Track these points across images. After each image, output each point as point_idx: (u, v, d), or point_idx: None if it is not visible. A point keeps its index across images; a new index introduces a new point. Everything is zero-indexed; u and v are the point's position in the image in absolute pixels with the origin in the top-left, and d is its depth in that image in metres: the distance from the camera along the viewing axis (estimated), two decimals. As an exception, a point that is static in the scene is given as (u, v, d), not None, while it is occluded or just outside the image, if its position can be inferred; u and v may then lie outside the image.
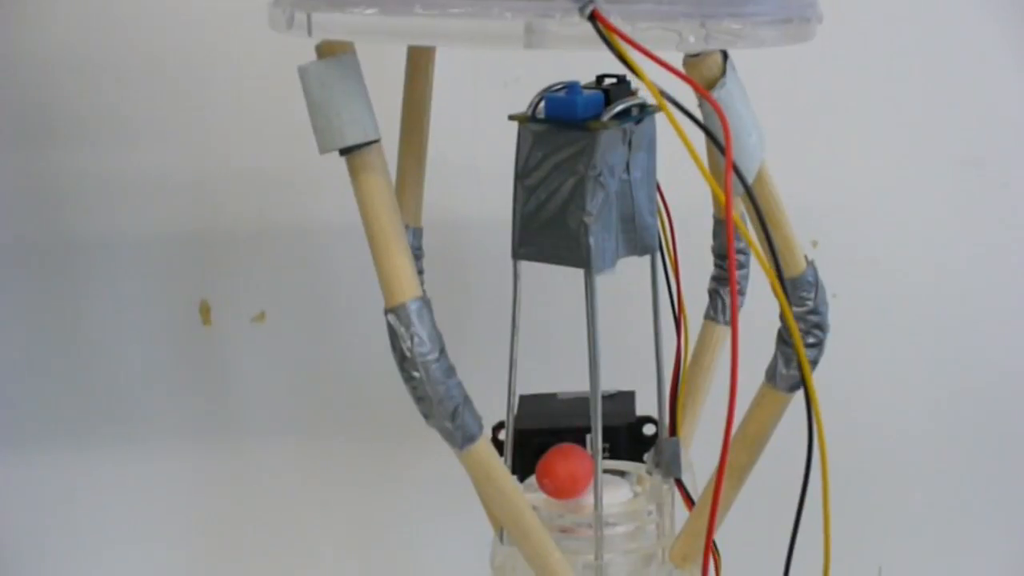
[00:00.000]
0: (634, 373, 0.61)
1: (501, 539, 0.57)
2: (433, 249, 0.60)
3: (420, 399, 0.48)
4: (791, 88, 0.82)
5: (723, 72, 0.47)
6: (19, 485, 0.89)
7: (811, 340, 0.53)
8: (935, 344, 0.91)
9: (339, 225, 0.84)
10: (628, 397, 0.65)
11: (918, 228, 0.89)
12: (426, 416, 0.49)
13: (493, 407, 0.58)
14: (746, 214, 0.51)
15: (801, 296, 0.53)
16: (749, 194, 0.47)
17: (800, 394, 0.50)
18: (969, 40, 0.88)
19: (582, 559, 0.55)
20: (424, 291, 0.48)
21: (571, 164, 0.51)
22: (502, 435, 0.60)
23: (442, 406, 0.48)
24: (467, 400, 0.49)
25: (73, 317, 0.87)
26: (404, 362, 0.47)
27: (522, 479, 0.61)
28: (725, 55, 0.48)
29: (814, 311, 0.53)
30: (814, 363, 0.53)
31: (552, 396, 0.66)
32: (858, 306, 0.80)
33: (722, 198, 0.44)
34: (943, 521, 0.94)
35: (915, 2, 0.87)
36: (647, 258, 0.56)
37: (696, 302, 0.63)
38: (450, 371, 0.48)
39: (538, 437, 0.61)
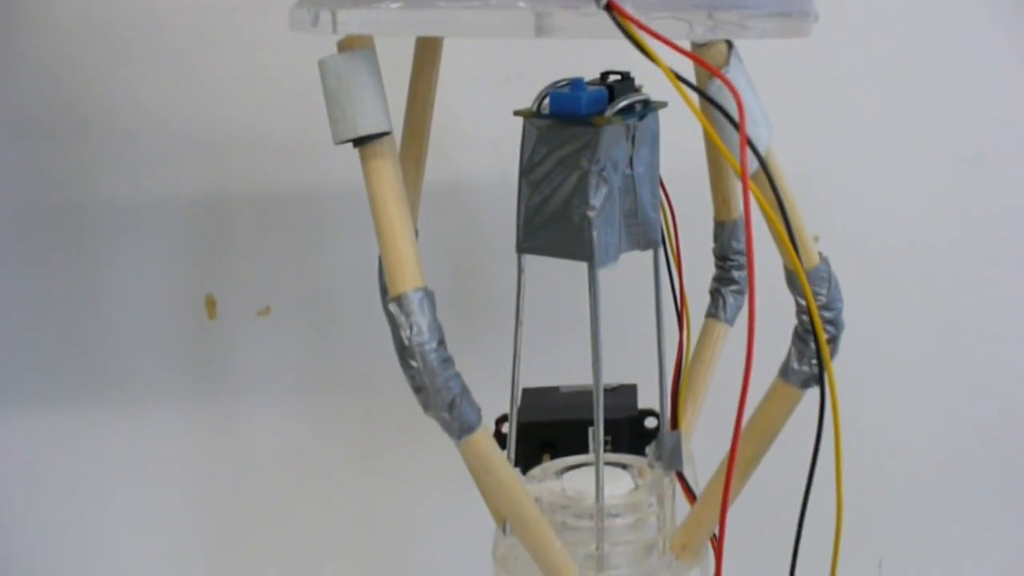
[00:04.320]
0: (636, 366, 0.62)
1: (504, 531, 0.58)
2: (439, 243, 0.60)
3: (418, 389, 0.48)
4: (792, 80, 0.82)
5: (727, 60, 0.48)
6: (24, 457, 0.90)
7: (824, 337, 0.53)
8: (937, 338, 0.91)
9: (344, 219, 0.85)
10: (630, 390, 0.65)
11: (918, 222, 0.89)
12: (424, 407, 0.49)
13: (496, 400, 0.58)
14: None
15: (814, 291, 0.53)
16: (763, 166, 0.47)
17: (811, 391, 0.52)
18: (967, 33, 0.88)
19: (583, 549, 0.56)
20: (426, 283, 0.49)
21: (575, 159, 0.52)
22: (505, 428, 0.61)
23: (439, 396, 0.48)
24: (465, 391, 0.49)
25: (84, 305, 0.87)
26: (403, 351, 0.48)
27: (524, 471, 0.61)
28: (730, 45, 0.49)
29: (827, 307, 0.53)
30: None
31: (554, 389, 0.66)
32: (858, 300, 0.80)
33: (737, 169, 0.45)
34: (944, 515, 0.94)
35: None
36: (650, 253, 0.56)
37: (698, 296, 0.64)
38: (448, 362, 0.48)
39: (541, 430, 0.62)
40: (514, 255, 0.55)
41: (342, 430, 0.89)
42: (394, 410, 0.87)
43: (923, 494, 0.94)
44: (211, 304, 0.87)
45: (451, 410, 0.49)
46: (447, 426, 0.49)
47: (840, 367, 0.54)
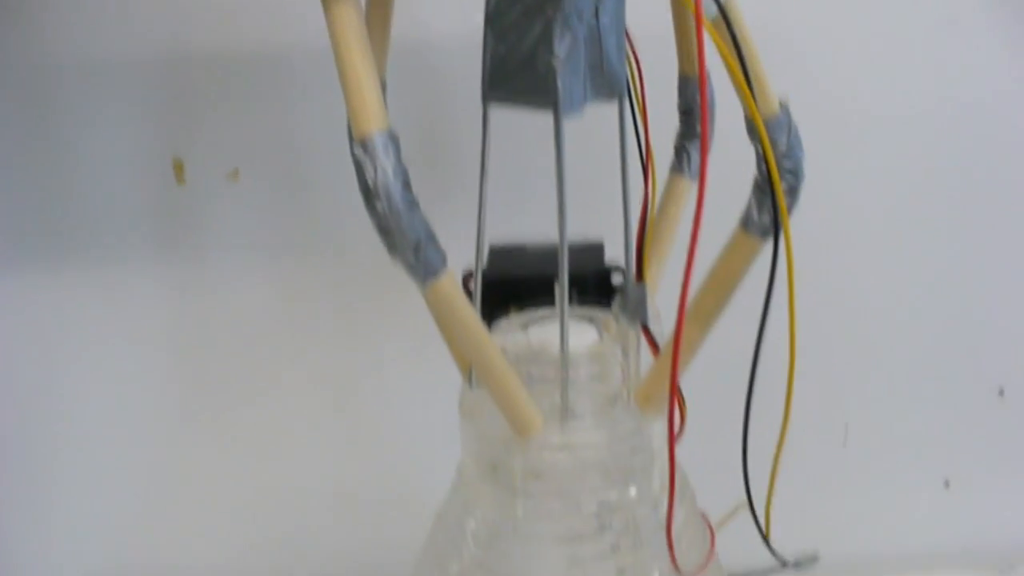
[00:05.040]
0: (604, 224, 0.62)
1: (470, 383, 0.59)
2: (404, 102, 0.60)
3: (383, 231, 0.49)
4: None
5: None
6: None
7: (784, 187, 0.53)
8: (907, 200, 0.91)
9: (313, 77, 0.84)
10: (597, 247, 0.65)
11: (893, 85, 0.89)
12: (390, 249, 0.49)
13: (462, 257, 0.58)
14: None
15: (773, 139, 0.53)
16: (720, 8, 0.47)
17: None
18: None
19: (548, 400, 0.56)
20: (392, 126, 0.49)
21: (539, 8, 0.51)
22: (471, 285, 0.61)
23: (405, 238, 0.49)
24: (430, 234, 0.50)
25: (49, 171, 0.86)
26: (368, 194, 0.48)
27: (491, 327, 0.62)
28: None
29: (787, 155, 0.53)
30: (788, 211, 0.53)
31: (521, 246, 0.66)
32: (829, 163, 0.80)
33: (691, 6, 0.45)
34: (911, 379, 0.95)
35: None
36: (616, 108, 0.56)
37: (664, 150, 0.64)
38: (413, 204, 0.49)
39: (507, 286, 0.62)
40: (479, 113, 0.55)
41: (314, 290, 0.89)
42: (366, 269, 0.87)
43: (889, 357, 0.95)
44: (179, 167, 0.86)
45: (416, 253, 0.49)
46: (412, 270, 0.50)
47: (804, 228, 0.54)
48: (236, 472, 0.94)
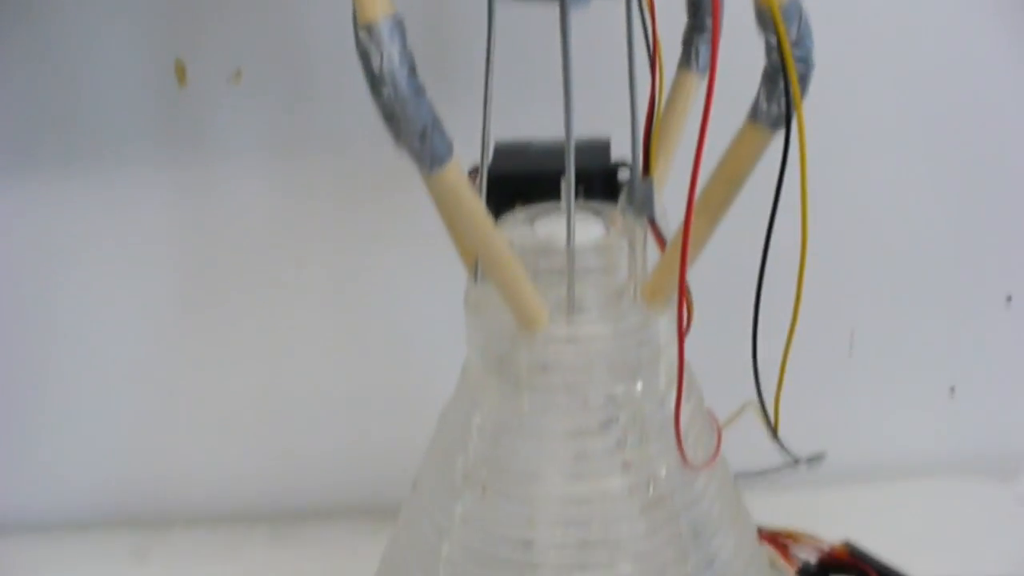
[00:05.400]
0: (610, 122, 0.61)
1: (475, 277, 0.58)
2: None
3: (389, 119, 0.48)
4: None
5: None
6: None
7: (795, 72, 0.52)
8: (923, 95, 0.90)
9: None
10: (603, 144, 0.65)
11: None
12: (395, 136, 0.49)
13: (468, 154, 0.58)
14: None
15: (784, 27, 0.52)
16: None
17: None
18: None
19: (554, 293, 0.56)
20: (398, 11, 0.48)
21: None
22: (476, 182, 0.60)
23: (410, 124, 0.48)
24: (437, 121, 0.49)
25: (48, 75, 0.86)
26: (373, 80, 0.47)
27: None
28: None
29: (797, 44, 0.52)
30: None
31: (526, 144, 0.66)
32: (837, 51, 0.78)
33: None
34: (918, 285, 0.95)
35: None
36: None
37: (672, 45, 0.63)
38: (420, 90, 0.48)
39: (513, 182, 0.62)
40: (484, 7, 0.54)
41: (317, 190, 0.89)
42: (370, 168, 0.87)
43: (896, 263, 0.94)
44: (180, 69, 0.86)
45: (422, 140, 0.48)
46: (418, 157, 0.49)
47: (808, 128, 0.54)
48: (240, 372, 0.94)
